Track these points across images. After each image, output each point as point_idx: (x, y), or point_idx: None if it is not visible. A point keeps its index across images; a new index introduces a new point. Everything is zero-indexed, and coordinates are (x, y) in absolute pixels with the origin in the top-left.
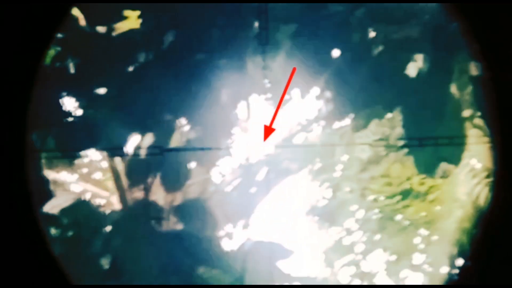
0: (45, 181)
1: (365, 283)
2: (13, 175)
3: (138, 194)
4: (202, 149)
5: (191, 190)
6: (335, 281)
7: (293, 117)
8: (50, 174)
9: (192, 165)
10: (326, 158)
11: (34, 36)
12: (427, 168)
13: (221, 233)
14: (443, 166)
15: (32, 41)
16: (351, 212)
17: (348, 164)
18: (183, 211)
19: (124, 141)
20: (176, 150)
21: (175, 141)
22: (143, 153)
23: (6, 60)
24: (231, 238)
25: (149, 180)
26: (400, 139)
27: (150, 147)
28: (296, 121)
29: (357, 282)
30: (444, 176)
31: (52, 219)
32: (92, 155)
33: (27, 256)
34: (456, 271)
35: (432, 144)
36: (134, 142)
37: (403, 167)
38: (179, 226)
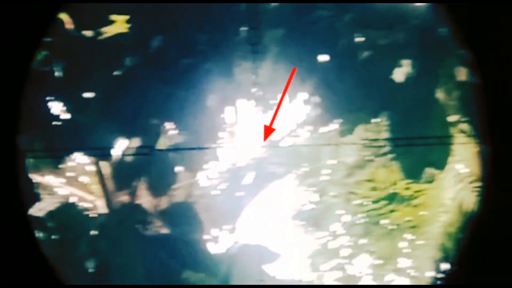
0: (32, 184)
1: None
2: (1, 176)
3: (124, 197)
4: (191, 148)
5: (177, 193)
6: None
7: (280, 121)
8: (36, 177)
9: (179, 168)
10: (313, 162)
11: (23, 38)
12: (413, 173)
13: (207, 236)
14: (429, 171)
15: (21, 44)
16: (336, 216)
17: (334, 168)
18: (169, 214)
19: (110, 145)
20: (166, 150)
21: (161, 145)
22: (132, 153)
23: None
24: (217, 242)
25: (135, 183)
26: (387, 140)
27: (139, 148)
28: (283, 125)
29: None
30: (429, 181)
31: (38, 221)
32: (79, 158)
33: (19, 256)
34: (441, 275)
35: (416, 144)
36: (121, 146)
37: (388, 172)
38: (165, 230)
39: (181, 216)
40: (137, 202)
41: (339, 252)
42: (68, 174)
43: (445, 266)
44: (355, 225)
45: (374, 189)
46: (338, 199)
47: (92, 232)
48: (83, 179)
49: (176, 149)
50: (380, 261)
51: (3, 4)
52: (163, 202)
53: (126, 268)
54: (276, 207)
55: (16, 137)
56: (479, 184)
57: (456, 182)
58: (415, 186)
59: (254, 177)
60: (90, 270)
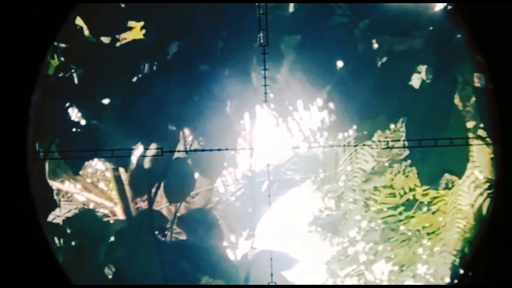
0: (49, 191)
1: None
2: (15, 183)
3: (141, 204)
4: (210, 150)
5: (195, 200)
6: None
7: (296, 128)
8: (53, 184)
9: (196, 175)
10: (330, 169)
11: (34, 41)
12: (431, 179)
13: (225, 243)
14: (447, 177)
15: (31, 46)
16: (354, 222)
17: (351, 175)
18: (187, 221)
19: (128, 152)
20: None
21: (178, 152)
22: (147, 155)
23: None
24: (235, 248)
25: (153, 190)
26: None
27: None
28: (299, 132)
29: None
30: (448, 187)
31: (55, 228)
32: (97, 164)
33: (30, 263)
34: (459, 281)
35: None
36: (138, 152)
37: (406, 179)
38: (183, 236)
39: (199, 222)
40: (155, 208)
41: (357, 258)
42: (86, 180)
43: (462, 271)
44: (373, 232)
45: (391, 195)
46: (355, 205)
47: (110, 239)
48: (101, 185)
49: (191, 150)
50: (398, 268)
51: (14, 4)
52: (181, 209)
53: (144, 274)
54: (293, 213)
55: (30, 143)
56: (493, 188)
57: (474, 188)
58: (433, 193)
59: (271, 184)
60: (108, 277)
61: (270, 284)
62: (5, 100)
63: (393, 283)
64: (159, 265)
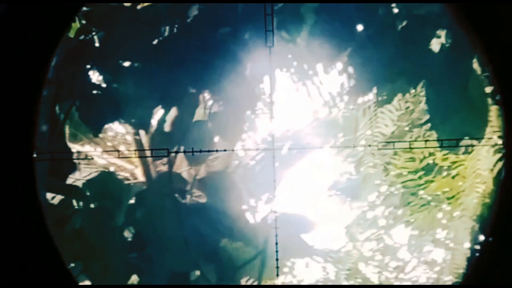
0: (69, 154)
1: (387, 259)
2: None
3: (161, 167)
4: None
5: (215, 163)
6: (358, 255)
7: (316, 93)
8: (73, 146)
9: (216, 139)
10: (349, 133)
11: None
12: (450, 143)
13: (244, 206)
14: (466, 141)
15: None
16: (374, 186)
17: (371, 139)
18: (206, 184)
19: (148, 115)
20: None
21: (198, 115)
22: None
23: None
24: (254, 212)
25: (173, 153)
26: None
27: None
28: (319, 97)
29: (379, 256)
30: (467, 152)
31: (75, 191)
32: (117, 128)
33: (36, 264)
34: (478, 246)
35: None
36: (158, 116)
37: (426, 143)
38: (203, 199)
39: (219, 185)
40: (176, 171)
41: (377, 223)
42: (107, 143)
43: (482, 236)
44: (392, 196)
45: (411, 159)
46: (375, 169)
47: (130, 201)
48: (122, 148)
49: (194, 151)
50: (418, 232)
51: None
52: (201, 172)
53: (163, 236)
54: (313, 177)
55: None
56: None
57: (494, 153)
58: (453, 157)
59: (291, 148)
60: (128, 239)
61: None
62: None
63: (413, 248)
64: (179, 227)
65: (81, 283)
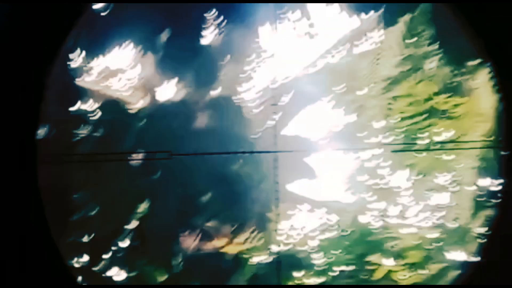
0: (75, 85)
1: (390, 204)
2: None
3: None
4: None
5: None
6: (358, 203)
7: (317, 39)
8: (81, 76)
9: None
10: (351, 78)
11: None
12: (451, 86)
13: None
14: (467, 83)
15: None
16: (374, 131)
17: (372, 83)
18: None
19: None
20: None
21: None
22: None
23: None
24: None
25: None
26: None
27: None
28: (320, 43)
29: (382, 203)
30: (468, 93)
31: (82, 117)
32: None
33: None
34: (482, 189)
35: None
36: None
37: (427, 86)
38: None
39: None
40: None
41: (377, 169)
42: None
43: (486, 179)
44: (393, 141)
45: (412, 103)
46: (375, 114)
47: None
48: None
49: (197, 153)
50: (420, 176)
51: None
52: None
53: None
54: (314, 126)
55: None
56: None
57: (495, 91)
58: (454, 100)
59: (291, 97)
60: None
61: None
62: None
63: (416, 191)
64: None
65: (81, 284)
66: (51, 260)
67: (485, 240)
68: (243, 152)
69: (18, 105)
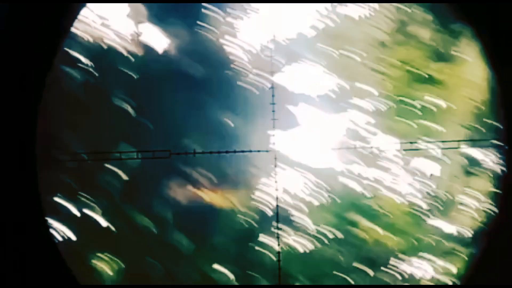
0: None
1: (371, 169)
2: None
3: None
4: None
5: None
6: (348, 172)
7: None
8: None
9: None
10: (343, 43)
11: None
12: (442, 54)
13: None
14: (457, 53)
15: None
16: (365, 94)
17: (364, 48)
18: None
19: None
20: None
21: None
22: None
23: None
24: None
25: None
26: None
27: None
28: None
29: (372, 169)
30: (458, 62)
31: (75, 61)
32: None
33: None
34: (467, 147)
35: None
36: None
37: (418, 52)
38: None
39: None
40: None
41: (364, 133)
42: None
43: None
44: (381, 105)
45: (404, 69)
46: (368, 81)
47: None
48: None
49: (197, 153)
50: (405, 140)
51: None
52: None
53: (166, 106)
54: (303, 88)
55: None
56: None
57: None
58: (446, 68)
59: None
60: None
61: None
62: None
63: (399, 156)
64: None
65: (81, 284)
66: (51, 260)
67: (485, 238)
68: None
69: (18, 105)
